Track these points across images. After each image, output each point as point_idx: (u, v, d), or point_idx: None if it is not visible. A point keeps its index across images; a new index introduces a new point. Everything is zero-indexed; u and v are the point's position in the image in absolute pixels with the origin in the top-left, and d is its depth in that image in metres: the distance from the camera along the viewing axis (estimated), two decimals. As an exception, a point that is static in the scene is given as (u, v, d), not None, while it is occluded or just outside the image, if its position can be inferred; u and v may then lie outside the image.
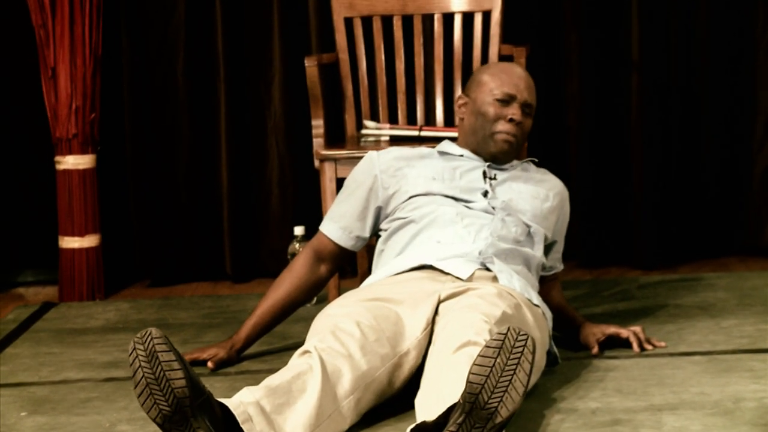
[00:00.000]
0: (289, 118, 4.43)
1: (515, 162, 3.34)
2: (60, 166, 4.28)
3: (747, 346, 3.25)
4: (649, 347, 3.23)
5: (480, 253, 3.05)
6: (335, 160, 3.67)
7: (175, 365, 2.39)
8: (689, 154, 4.41)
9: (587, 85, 4.37)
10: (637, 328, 3.25)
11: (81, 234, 4.29)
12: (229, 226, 4.46)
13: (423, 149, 3.35)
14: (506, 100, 3.24)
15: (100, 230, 4.34)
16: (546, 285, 3.34)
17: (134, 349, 2.41)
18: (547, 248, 3.31)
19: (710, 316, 3.58)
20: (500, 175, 3.27)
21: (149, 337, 2.41)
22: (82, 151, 4.26)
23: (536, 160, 3.40)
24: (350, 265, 4.35)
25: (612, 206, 4.44)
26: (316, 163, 3.74)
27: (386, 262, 3.17)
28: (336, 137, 3.98)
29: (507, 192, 3.23)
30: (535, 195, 3.26)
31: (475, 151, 3.29)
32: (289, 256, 4.01)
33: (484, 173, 3.24)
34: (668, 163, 4.39)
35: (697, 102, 4.40)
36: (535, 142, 3.94)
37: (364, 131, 3.88)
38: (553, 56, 4.40)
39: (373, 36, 3.98)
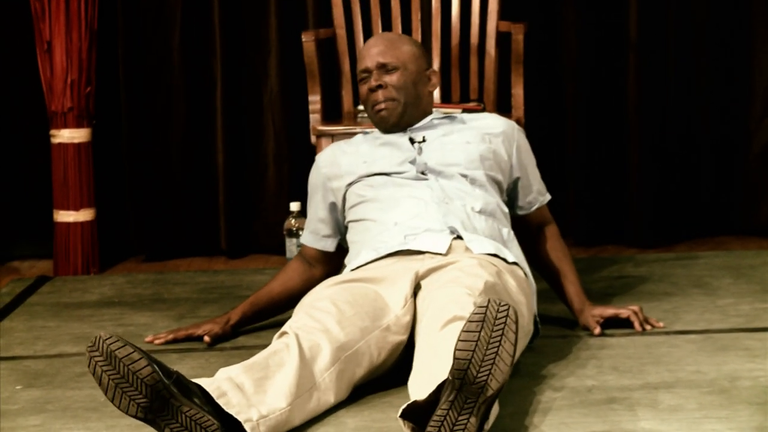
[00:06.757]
0: (286, 94, 4.42)
1: (442, 118, 3.30)
2: (55, 140, 4.26)
3: (743, 324, 3.26)
4: (648, 327, 3.22)
5: (444, 224, 3.04)
6: (332, 135, 3.66)
7: (135, 356, 2.38)
8: (686, 133, 4.41)
9: (585, 63, 4.36)
10: (636, 307, 3.25)
11: (76, 208, 4.28)
12: (225, 201, 4.46)
13: (357, 137, 3.35)
14: (365, 77, 3.27)
15: (95, 204, 4.33)
16: (540, 234, 3.31)
17: (91, 358, 2.39)
18: (514, 187, 3.28)
19: (706, 294, 3.58)
20: (429, 135, 3.24)
21: (101, 341, 2.39)
22: (78, 125, 4.25)
23: (457, 114, 3.37)
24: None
25: (609, 184, 4.43)
26: (313, 138, 3.73)
27: (355, 257, 3.16)
28: (333, 113, 3.97)
29: (437, 149, 3.20)
30: (469, 140, 3.22)
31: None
32: (284, 232, 4.00)
33: (411, 140, 3.23)
34: (665, 143, 4.39)
35: (695, 83, 4.39)
36: (532, 119, 3.94)
37: (360, 107, 3.87)
38: (551, 34, 4.39)
39: (371, 11, 3.97)
